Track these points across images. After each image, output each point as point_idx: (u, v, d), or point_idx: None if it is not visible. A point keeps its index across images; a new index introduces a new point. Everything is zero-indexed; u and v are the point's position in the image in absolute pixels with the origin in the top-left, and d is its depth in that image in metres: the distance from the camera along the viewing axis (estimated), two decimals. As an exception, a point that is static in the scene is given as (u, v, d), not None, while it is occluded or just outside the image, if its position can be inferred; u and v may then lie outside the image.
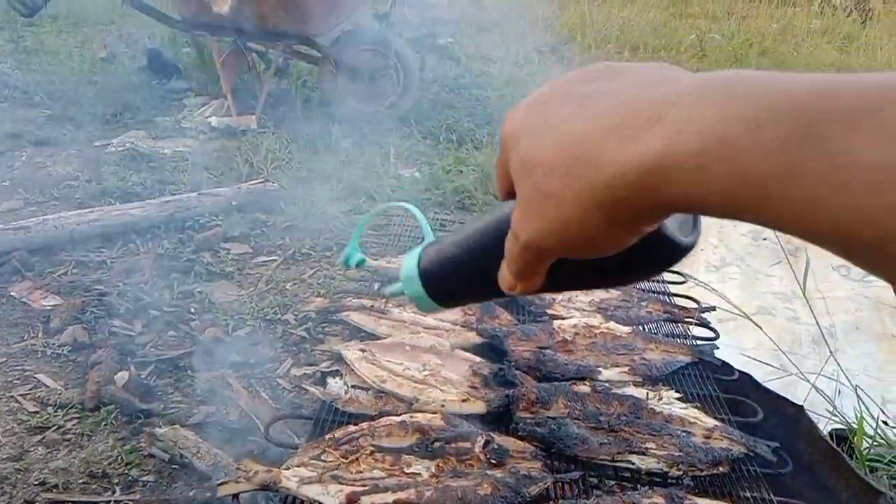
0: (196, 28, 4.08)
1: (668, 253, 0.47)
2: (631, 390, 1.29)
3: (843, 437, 1.96)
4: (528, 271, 0.48)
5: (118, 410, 1.93)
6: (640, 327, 1.58)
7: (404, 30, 4.68)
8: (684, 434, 1.17)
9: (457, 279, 0.57)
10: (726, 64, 5.70)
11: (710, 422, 1.22)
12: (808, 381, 2.02)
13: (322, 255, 2.77)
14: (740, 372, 1.52)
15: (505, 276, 0.49)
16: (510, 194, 0.47)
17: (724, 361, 1.49)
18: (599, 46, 6.25)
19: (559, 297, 1.63)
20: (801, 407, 1.48)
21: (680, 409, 1.24)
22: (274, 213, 3.06)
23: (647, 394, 1.26)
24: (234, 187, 3.09)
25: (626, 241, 0.43)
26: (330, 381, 1.25)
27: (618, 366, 1.38)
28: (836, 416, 1.98)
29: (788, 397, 1.69)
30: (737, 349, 2.18)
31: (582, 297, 1.65)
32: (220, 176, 3.40)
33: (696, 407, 1.28)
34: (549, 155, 0.42)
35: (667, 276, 1.91)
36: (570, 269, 0.48)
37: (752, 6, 8.50)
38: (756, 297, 2.81)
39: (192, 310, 2.42)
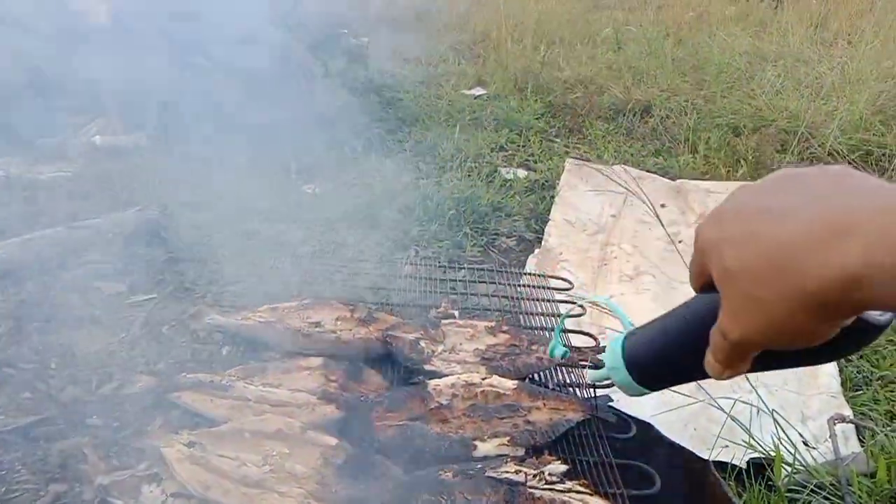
0: (73, 42, 3.75)
1: (867, 334, 0.51)
2: (510, 467, 1.12)
3: (762, 466, 1.85)
4: (736, 361, 0.53)
5: (-53, 501, 1.66)
6: (529, 378, 1.41)
7: (307, 33, 4.44)
8: (564, 530, 0.99)
9: (663, 366, 0.64)
10: (642, 56, 5.62)
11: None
12: (721, 408, 1.89)
13: (206, 290, 2.52)
14: (640, 422, 1.36)
15: (713, 364, 0.55)
16: (704, 288, 0.54)
17: (619, 414, 1.33)
18: (516, 41, 6.10)
19: (439, 348, 1.45)
20: (707, 461, 1.33)
21: (563, 491, 1.07)
22: (153, 245, 2.79)
23: (526, 475, 1.08)
24: (109, 217, 2.81)
25: (830, 334, 0.48)
26: (144, 489, 1.04)
27: (497, 436, 1.20)
28: (752, 444, 1.85)
29: (695, 438, 1.55)
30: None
31: (466, 346, 1.47)
32: (99, 204, 3.11)
33: (584, 483, 1.12)
34: (753, 265, 0.47)
35: (560, 299, 1.75)
36: (774, 354, 0.52)
37: (668, -5, 8.50)
38: (671, 308, 2.68)
39: (53, 365, 2.15)
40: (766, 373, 2.20)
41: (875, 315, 0.50)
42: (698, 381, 2.09)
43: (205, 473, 1.03)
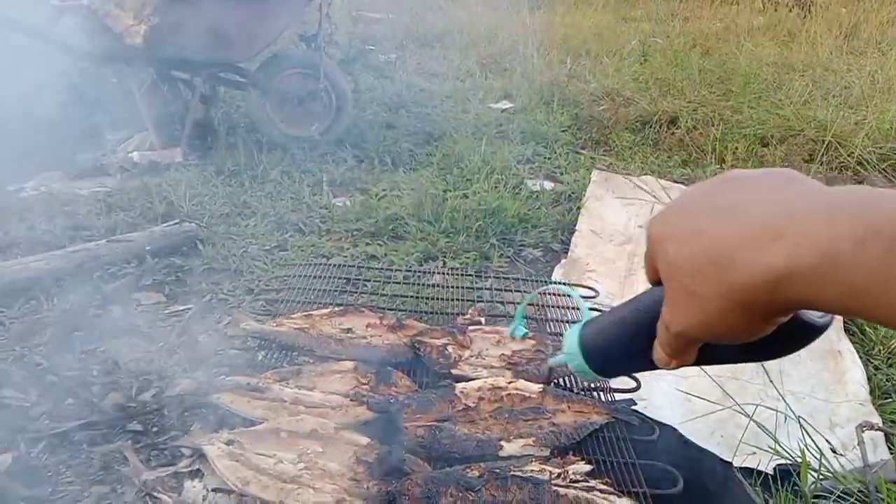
0: (112, 61, 3.88)
1: (805, 334, 0.54)
2: (534, 466, 1.15)
3: (788, 472, 1.85)
4: (681, 352, 0.56)
5: (-3, 501, 1.74)
6: (554, 382, 1.44)
7: (337, 50, 4.54)
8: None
9: (615, 354, 0.66)
10: (668, 67, 5.63)
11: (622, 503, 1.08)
12: (746, 414, 1.90)
13: (241, 300, 2.60)
14: (663, 426, 1.39)
15: (660, 354, 0.58)
16: (656, 281, 0.56)
17: (642, 417, 1.36)
18: (542, 55, 6.15)
19: (466, 353, 1.49)
20: (730, 463, 1.35)
21: (587, 490, 1.10)
22: (191, 257, 2.88)
23: (550, 474, 1.12)
24: (147, 231, 2.90)
25: (765, 330, 0.51)
26: (188, 484, 1.10)
27: (522, 437, 1.24)
28: (778, 451, 1.86)
29: (722, 445, 1.57)
30: (671, 384, 2.06)
31: (492, 352, 1.51)
32: (137, 217, 3.21)
33: (608, 482, 1.15)
34: (693, 261, 0.50)
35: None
36: (718, 349, 0.55)
37: (695, 6, 8.50)
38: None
39: (95, 372, 2.23)
40: (793, 381, 2.19)
41: (814, 315, 0.53)
42: (716, 389, 2.08)
43: (244, 470, 1.09)
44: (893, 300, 0.40)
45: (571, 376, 1.50)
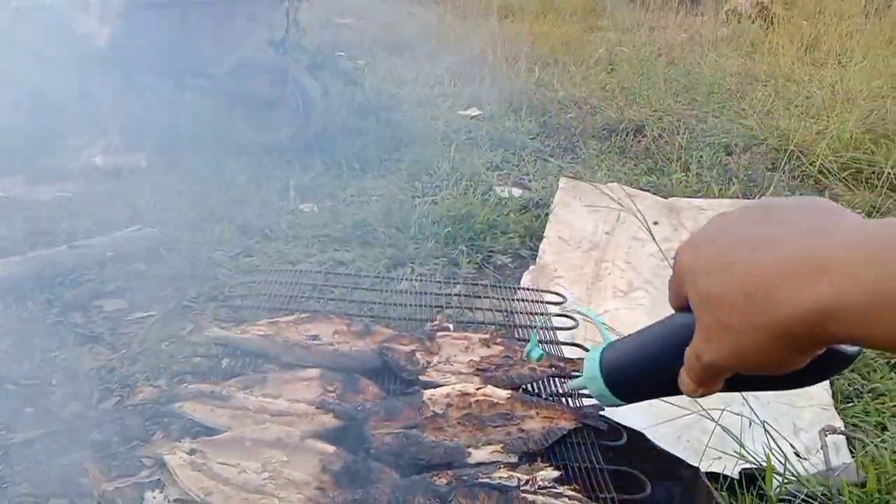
0: (75, 64, 3.80)
1: (835, 364, 0.53)
2: (503, 473, 1.15)
3: (753, 477, 1.87)
4: (709, 381, 0.55)
5: (-51, 514, 1.68)
6: (523, 388, 1.44)
7: (305, 55, 4.50)
8: (555, 532, 1.02)
9: (638, 380, 0.65)
10: (634, 77, 5.70)
11: (588, 509, 1.08)
12: (712, 419, 1.92)
13: (205, 307, 2.56)
14: (630, 431, 1.39)
15: (686, 382, 0.57)
16: (682, 308, 0.56)
17: (610, 423, 1.36)
18: (510, 64, 6.18)
19: (434, 359, 1.48)
20: (697, 469, 1.36)
21: (555, 496, 1.10)
22: (154, 263, 2.83)
23: (518, 480, 1.11)
24: (109, 237, 2.85)
25: (799, 364, 0.50)
26: (147, 495, 1.07)
27: (490, 443, 1.23)
28: (744, 455, 1.88)
29: (688, 450, 1.58)
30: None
31: (461, 357, 1.50)
32: (100, 223, 3.15)
33: (576, 488, 1.15)
34: (728, 293, 0.49)
35: (553, 313, 1.79)
36: (746, 378, 0.54)
37: (661, 17, 8.62)
38: (665, 323, 2.71)
39: (54, 381, 2.18)
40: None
41: (844, 346, 0.53)
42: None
43: (206, 480, 1.06)
44: None
45: (540, 382, 1.50)
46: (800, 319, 0.45)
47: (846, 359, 0.53)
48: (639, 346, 0.64)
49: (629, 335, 0.67)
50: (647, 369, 0.63)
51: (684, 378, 0.57)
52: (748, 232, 0.50)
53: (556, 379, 1.49)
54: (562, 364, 1.50)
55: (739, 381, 0.55)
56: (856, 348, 0.53)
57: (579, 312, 0.79)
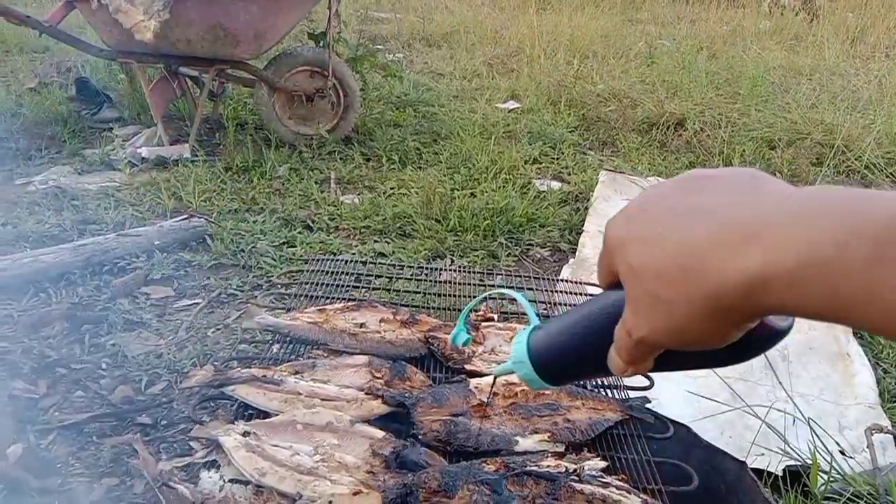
0: (121, 56, 3.88)
1: (768, 338, 0.52)
2: (550, 461, 1.15)
3: (797, 474, 1.85)
4: (639, 359, 0.53)
5: (8, 490, 1.74)
6: (568, 379, 1.44)
7: (345, 48, 4.54)
8: (605, 520, 1.03)
9: (567, 362, 0.63)
10: (675, 70, 5.63)
11: (637, 500, 1.08)
12: (756, 416, 1.90)
13: (250, 295, 2.60)
14: (677, 424, 1.39)
15: (616, 361, 0.55)
16: (611, 285, 0.54)
17: (657, 415, 1.36)
18: (549, 56, 6.15)
19: (479, 349, 1.49)
20: (744, 463, 1.35)
21: (603, 486, 1.10)
22: (199, 252, 2.88)
23: (566, 469, 1.12)
24: (156, 226, 2.90)
25: (733, 337, 0.48)
26: (204, 474, 1.09)
27: (538, 432, 1.24)
28: (788, 452, 1.86)
29: (731, 446, 1.57)
30: (679, 384, 2.06)
31: (506, 348, 1.51)
32: (146, 212, 3.21)
33: (623, 478, 1.15)
34: (658, 263, 0.47)
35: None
36: (675, 355, 0.52)
37: (701, 9, 8.51)
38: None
39: (104, 365, 2.23)
40: (802, 383, 2.18)
41: (777, 320, 0.52)
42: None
43: (260, 461, 1.09)
44: (878, 306, 0.38)
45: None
46: (731, 288, 0.43)
47: (779, 333, 0.52)
48: (567, 326, 0.62)
49: (557, 315, 0.67)
50: (575, 350, 0.61)
51: (614, 356, 0.55)
52: (680, 202, 0.49)
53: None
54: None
55: (669, 359, 0.53)
56: (788, 321, 0.52)
57: (504, 295, 0.73)
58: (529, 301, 0.75)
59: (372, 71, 4.73)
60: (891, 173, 3.90)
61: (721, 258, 0.44)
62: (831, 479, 1.82)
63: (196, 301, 2.58)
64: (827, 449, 1.88)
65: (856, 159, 4.01)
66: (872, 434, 1.98)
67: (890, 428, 2.04)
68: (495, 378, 0.93)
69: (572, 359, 0.62)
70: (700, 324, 0.46)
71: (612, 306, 0.55)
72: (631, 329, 0.51)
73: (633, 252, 0.49)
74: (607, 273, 0.54)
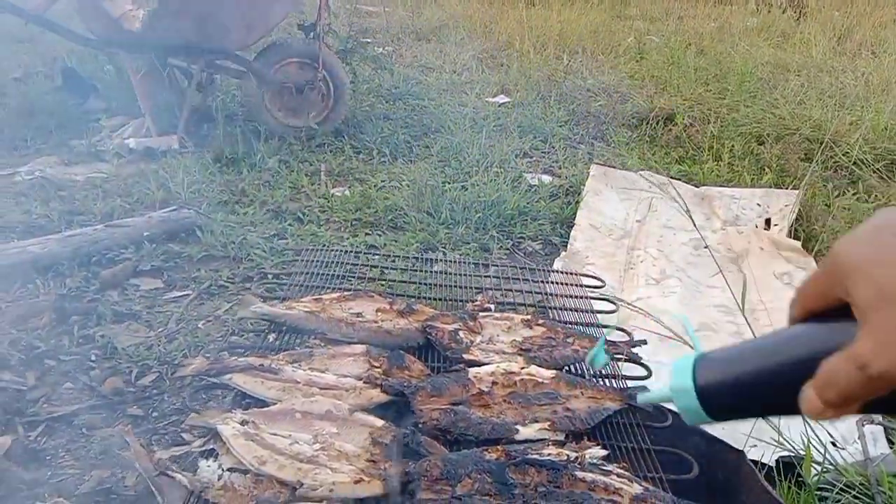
0: (109, 46, 3.83)
1: None
2: (551, 450, 1.15)
3: (791, 465, 1.86)
4: (853, 400, 0.46)
5: (-3, 483, 1.72)
6: (566, 369, 1.44)
7: (335, 40, 4.51)
8: (608, 507, 1.02)
9: (742, 397, 0.56)
10: (664, 65, 5.65)
11: (638, 488, 1.08)
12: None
13: (241, 287, 2.58)
14: (676, 414, 1.39)
15: (812, 401, 0.48)
16: (813, 314, 0.50)
17: (655, 405, 1.36)
18: (538, 52, 6.15)
19: (477, 339, 1.48)
20: (742, 451, 1.36)
21: (604, 474, 1.10)
22: (189, 243, 2.85)
23: (568, 457, 1.11)
24: (144, 217, 2.87)
25: None
26: (202, 463, 1.08)
27: (537, 421, 1.23)
28: (782, 443, 1.87)
29: (725, 437, 1.57)
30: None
31: (503, 338, 1.50)
32: (135, 203, 3.18)
33: (624, 466, 1.14)
34: None
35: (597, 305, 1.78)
36: (888, 398, 0.46)
37: (689, 6, 8.53)
38: (697, 311, 2.70)
39: (93, 357, 2.21)
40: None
41: None
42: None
43: (260, 449, 1.07)
44: None
45: (581, 364, 1.50)
46: None
47: None
48: (746, 356, 0.56)
49: (728, 346, 0.60)
50: (754, 384, 0.55)
51: (811, 397, 0.48)
52: None
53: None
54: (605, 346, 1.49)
55: (880, 401, 0.47)
56: None
57: (640, 312, 0.70)
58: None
59: (362, 63, 4.70)
60: (877, 169, 3.93)
61: None
62: (824, 469, 1.83)
63: (186, 292, 2.56)
64: (820, 440, 1.89)
65: (844, 155, 4.04)
66: (863, 425, 2.00)
67: (880, 419, 2.06)
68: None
69: (749, 393, 0.56)
70: None
71: (810, 339, 0.50)
72: (868, 362, 0.45)
73: (880, 274, 0.45)
74: (820, 299, 0.50)
